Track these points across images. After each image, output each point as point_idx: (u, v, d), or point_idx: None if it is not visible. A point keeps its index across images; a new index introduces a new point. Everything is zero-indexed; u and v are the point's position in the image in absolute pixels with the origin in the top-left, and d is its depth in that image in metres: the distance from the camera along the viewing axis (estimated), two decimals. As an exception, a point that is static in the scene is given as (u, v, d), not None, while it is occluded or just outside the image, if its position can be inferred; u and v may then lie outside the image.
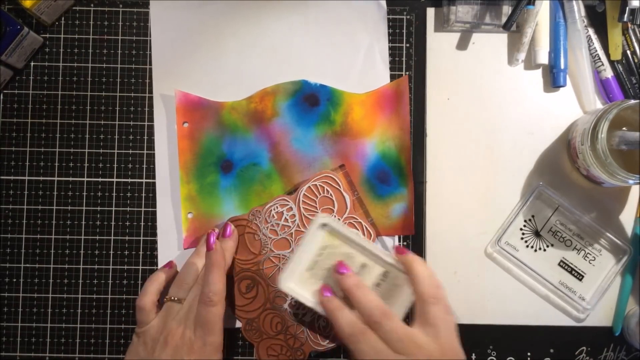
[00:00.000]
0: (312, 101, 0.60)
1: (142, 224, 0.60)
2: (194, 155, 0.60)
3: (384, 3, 0.61)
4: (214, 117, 0.60)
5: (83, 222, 0.60)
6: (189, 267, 0.56)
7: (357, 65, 0.61)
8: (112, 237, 0.60)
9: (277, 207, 0.58)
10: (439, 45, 0.62)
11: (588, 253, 0.60)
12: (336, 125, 0.60)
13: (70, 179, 0.61)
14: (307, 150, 0.60)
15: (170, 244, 0.60)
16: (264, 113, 0.60)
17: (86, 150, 0.61)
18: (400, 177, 0.60)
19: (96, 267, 0.60)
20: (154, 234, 0.60)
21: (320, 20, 0.61)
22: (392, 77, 0.61)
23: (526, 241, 0.60)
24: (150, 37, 0.61)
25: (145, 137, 0.61)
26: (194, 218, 0.60)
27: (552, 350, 0.60)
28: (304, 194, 0.58)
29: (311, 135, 0.60)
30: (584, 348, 0.60)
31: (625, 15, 0.58)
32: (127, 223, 0.60)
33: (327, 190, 0.58)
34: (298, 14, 0.61)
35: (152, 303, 0.55)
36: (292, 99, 0.60)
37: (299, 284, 0.53)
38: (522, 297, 0.60)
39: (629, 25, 0.60)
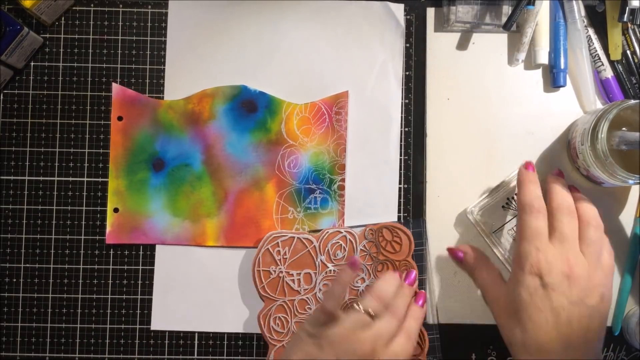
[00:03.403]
0: (250, 107, 0.60)
1: (142, 224, 0.60)
2: (126, 151, 0.60)
3: (402, 22, 0.61)
4: (150, 114, 0.60)
5: (83, 222, 0.60)
6: (390, 281, 0.53)
7: (371, 81, 0.61)
8: (112, 237, 0.60)
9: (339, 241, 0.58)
10: (439, 45, 0.62)
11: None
12: (271, 133, 0.60)
13: (70, 179, 0.61)
14: (240, 155, 0.60)
15: (164, 250, 0.60)
16: (200, 115, 0.60)
17: (86, 150, 0.61)
18: (331, 192, 0.60)
19: (96, 267, 0.60)
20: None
21: (338, 32, 0.61)
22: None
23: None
24: (166, 37, 0.61)
25: (145, 137, 0.61)
26: (119, 214, 0.60)
27: (552, 350, 0.60)
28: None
29: (246, 141, 0.60)
30: (584, 348, 0.60)
31: (625, 15, 0.58)
32: (127, 223, 0.60)
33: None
34: (316, 25, 0.61)
35: (338, 307, 0.49)
36: (230, 103, 0.60)
37: None
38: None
39: (629, 25, 0.60)
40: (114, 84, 0.60)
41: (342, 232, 0.59)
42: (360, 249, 0.59)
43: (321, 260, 0.58)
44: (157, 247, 0.60)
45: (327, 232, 0.59)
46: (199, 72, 0.61)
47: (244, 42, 0.61)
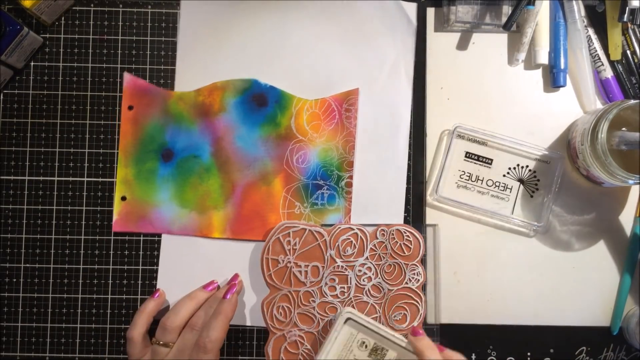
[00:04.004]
0: (260, 101, 0.60)
1: (142, 224, 0.60)
2: (136, 140, 0.60)
3: (414, 21, 0.61)
4: (161, 104, 0.60)
5: (83, 222, 0.60)
6: (177, 310, 0.56)
7: (382, 79, 0.61)
8: (112, 237, 0.60)
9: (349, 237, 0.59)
10: (439, 45, 0.62)
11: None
12: (281, 128, 0.60)
13: (70, 179, 0.61)
14: (249, 149, 0.60)
15: (170, 241, 0.60)
16: (211, 107, 0.60)
17: (86, 150, 0.61)
18: (339, 188, 0.60)
19: (96, 267, 0.60)
20: (155, 233, 0.60)
21: (350, 30, 0.61)
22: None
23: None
24: (177, 36, 0.61)
25: (145, 137, 0.61)
26: (126, 202, 0.60)
27: (552, 350, 0.60)
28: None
29: (255, 135, 0.60)
30: (584, 348, 0.60)
31: (625, 15, 0.58)
32: (127, 223, 0.60)
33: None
34: (327, 23, 0.61)
35: (141, 335, 0.55)
36: (241, 96, 0.60)
37: None
38: (521, 296, 0.60)
39: (629, 25, 0.60)
40: (125, 73, 0.60)
41: (354, 229, 0.59)
42: (370, 248, 0.59)
43: (330, 254, 0.59)
44: (163, 237, 0.60)
45: (339, 227, 0.59)
46: (209, 65, 0.61)
47: (254, 37, 0.61)
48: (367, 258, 0.59)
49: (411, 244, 0.59)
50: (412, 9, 0.61)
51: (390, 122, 0.61)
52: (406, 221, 0.61)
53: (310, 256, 0.58)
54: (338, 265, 0.58)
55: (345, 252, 0.59)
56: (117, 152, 0.61)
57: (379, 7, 0.61)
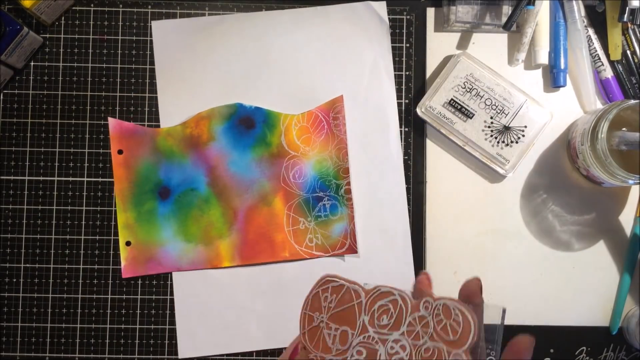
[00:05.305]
0: (248, 124, 0.60)
1: (142, 224, 0.60)
2: (131, 183, 0.60)
3: (386, 19, 0.61)
4: (150, 143, 0.60)
5: (83, 222, 0.60)
6: None
7: (364, 82, 0.61)
8: (112, 237, 0.60)
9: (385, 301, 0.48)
10: (439, 45, 0.62)
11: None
12: (272, 147, 0.60)
13: (70, 179, 0.61)
14: (244, 173, 0.60)
15: (182, 278, 0.60)
16: (199, 138, 0.60)
17: (86, 150, 0.61)
18: (339, 197, 0.60)
19: (96, 267, 0.60)
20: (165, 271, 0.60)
21: (325, 38, 0.61)
22: (395, 83, 0.61)
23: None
24: (155, 71, 0.61)
25: (145, 137, 0.61)
26: (132, 247, 0.60)
27: (552, 350, 0.60)
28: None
29: (248, 158, 0.60)
30: (584, 348, 0.60)
31: (625, 15, 0.58)
32: (127, 223, 0.60)
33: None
34: (302, 33, 0.61)
35: None
36: (228, 122, 0.60)
37: None
38: (521, 296, 0.60)
39: (629, 25, 0.60)
40: (110, 119, 0.60)
41: (395, 295, 0.48)
42: (409, 322, 0.47)
43: (364, 320, 0.49)
44: (174, 274, 0.60)
45: (380, 290, 0.49)
46: (191, 96, 0.61)
47: (231, 60, 0.61)
48: (403, 333, 0.47)
49: (460, 326, 0.45)
50: (382, 7, 0.61)
51: (378, 122, 0.61)
52: (476, 304, 0.49)
53: (342, 318, 0.50)
54: (369, 336, 0.48)
55: (381, 321, 0.48)
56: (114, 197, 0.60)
57: (349, 11, 0.61)
